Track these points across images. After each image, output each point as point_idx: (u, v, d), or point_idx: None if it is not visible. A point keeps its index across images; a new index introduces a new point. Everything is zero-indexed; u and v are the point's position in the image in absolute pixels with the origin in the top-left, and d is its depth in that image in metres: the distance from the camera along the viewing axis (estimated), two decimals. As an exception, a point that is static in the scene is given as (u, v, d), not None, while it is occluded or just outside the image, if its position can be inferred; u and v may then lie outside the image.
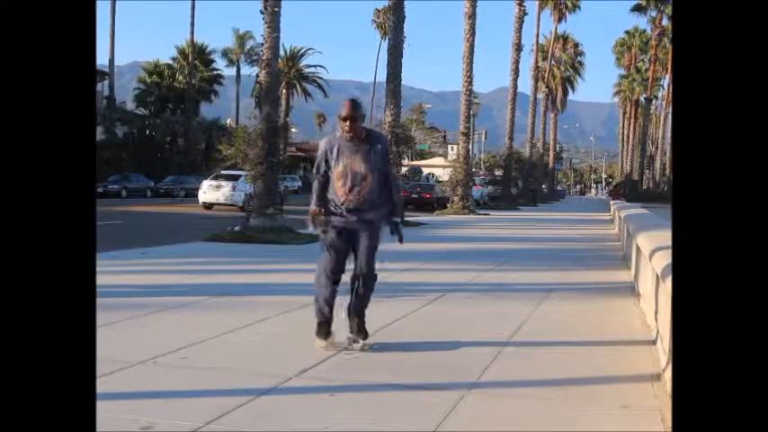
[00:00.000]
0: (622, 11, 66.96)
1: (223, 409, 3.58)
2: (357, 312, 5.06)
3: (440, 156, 73.31)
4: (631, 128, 79.61)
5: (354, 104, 4.99)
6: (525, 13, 38.70)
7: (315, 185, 5.19)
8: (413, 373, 4.41)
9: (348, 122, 4.93)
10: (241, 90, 61.10)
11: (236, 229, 13.83)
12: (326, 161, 5.07)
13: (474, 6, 27.79)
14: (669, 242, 4.15)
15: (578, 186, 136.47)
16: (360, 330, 5.05)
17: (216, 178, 26.00)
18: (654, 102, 74.14)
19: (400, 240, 5.15)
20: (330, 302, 5.06)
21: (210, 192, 26.27)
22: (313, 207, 5.12)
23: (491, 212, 30.18)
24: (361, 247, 5.00)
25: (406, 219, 19.66)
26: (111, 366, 4.26)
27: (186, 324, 5.78)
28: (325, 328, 5.04)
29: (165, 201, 35.29)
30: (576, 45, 69.12)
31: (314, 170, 5.21)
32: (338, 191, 4.99)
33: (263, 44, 14.91)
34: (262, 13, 14.66)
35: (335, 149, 5.02)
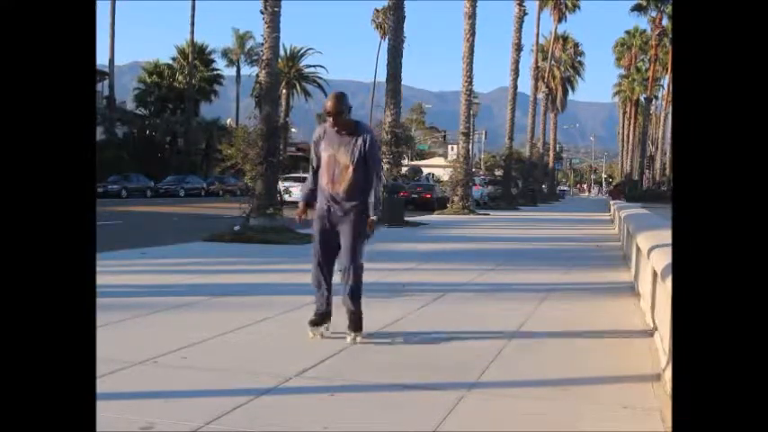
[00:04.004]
0: (622, 11, 66.89)
1: (223, 409, 3.58)
2: (351, 304, 5.16)
3: (440, 156, 73.27)
4: (631, 128, 79.66)
5: (337, 99, 5.06)
6: (525, 13, 38.69)
7: (308, 178, 5.41)
8: (413, 373, 4.40)
9: (331, 117, 5.07)
10: (241, 90, 61.05)
11: (236, 229, 13.82)
12: (317, 152, 5.22)
13: (474, 6, 27.77)
14: (669, 242, 4.15)
15: (578, 186, 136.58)
16: (351, 323, 5.18)
17: (288, 180, 26.89)
18: (654, 102, 74.20)
19: (365, 237, 5.19)
20: (322, 292, 5.25)
21: (285, 192, 27.31)
22: (300, 204, 5.40)
23: (491, 212, 30.16)
24: (342, 239, 5.11)
25: (406, 219, 19.64)
26: (111, 366, 4.26)
27: (186, 324, 5.78)
28: (316, 318, 5.27)
29: (166, 201, 35.30)
30: (576, 45, 69.10)
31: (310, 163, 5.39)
32: (322, 180, 5.16)
33: (263, 44, 14.90)
34: (262, 13, 14.66)
35: (324, 139, 5.17)
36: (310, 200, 5.36)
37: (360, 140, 5.08)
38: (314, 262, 5.24)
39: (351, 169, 5.04)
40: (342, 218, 5.10)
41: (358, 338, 5.13)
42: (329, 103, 5.06)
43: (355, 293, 5.17)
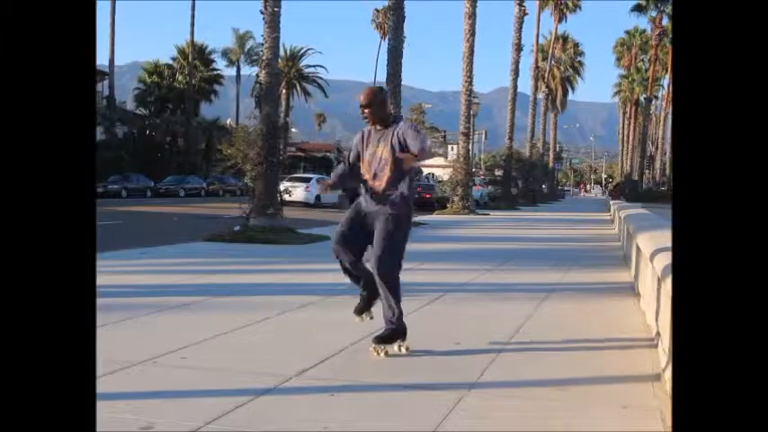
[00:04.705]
0: (622, 11, 66.68)
1: (223, 409, 3.58)
2: (387, 315, 4.93)
3: (440, 156, 73.26)
4: (631, 128, 79.63)
5: (370, 92, 4.92)
6: (525, 14, 38.69)
7: (339, 167, 5.23)
8: (413, 373, 4.41)
9: (362, 110, 4.88)
10: (241, 90, 61.06)
11: (236, 229, 13.83)
12: (358, 153, 5.01)
13: (474, 6, 27.78)
14: (669, 242, 4.16)
15: (579, 186, 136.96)
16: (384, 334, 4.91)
17: (291, 180, 26.89)
18: (654, 102, 74.17)
19: (398, 240, 4.89)
20: (352, 275, 5.03)
21: (285, 192, 27.33)
22: (332, 178, 5.22)
23: (491, 212, 30.16)
24: (374, 238, 4.83)
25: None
26: (111, 366, 4.26)
27: (186, 324, 5.78)
28: (359, 303, 5.12)
29: (166, 201, 35.30)
30: (576, 45, 69.06)
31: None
32: (365, 176, 4.92)
33: (263, 44, 14.92)
34: (262, 13, 14.67)
35: (365, 139, 4.97)
36: (340, 181, 5.19)
37: (394, 130, 4.85)
38: (333, 243, 4.97)
39: (391, 162, 4.79)
40: (376, 214, 4.83)
41: (381, 353, 4.79)
42: (361, 96, 4.88)
43: (385, 300, 4.90)
